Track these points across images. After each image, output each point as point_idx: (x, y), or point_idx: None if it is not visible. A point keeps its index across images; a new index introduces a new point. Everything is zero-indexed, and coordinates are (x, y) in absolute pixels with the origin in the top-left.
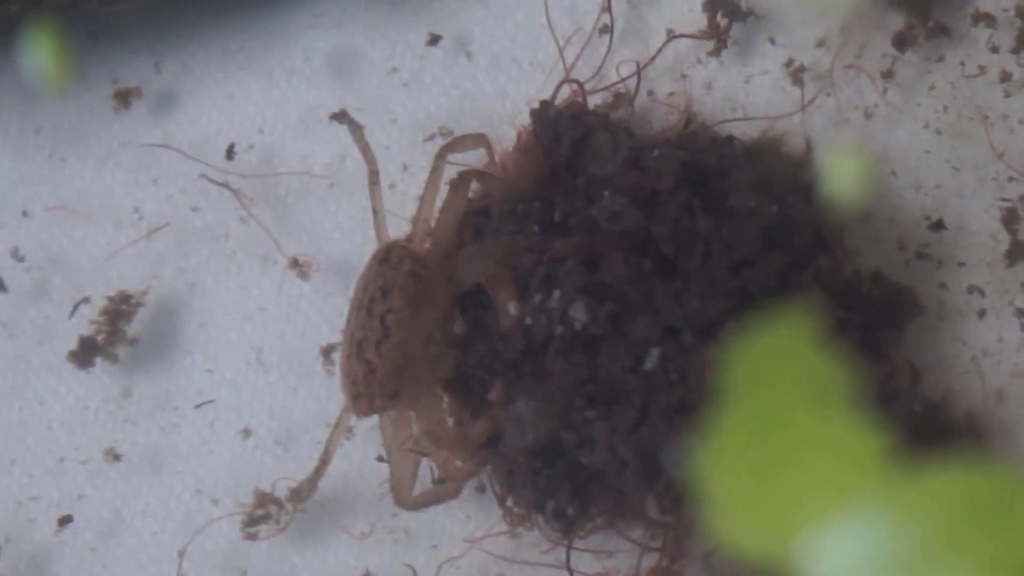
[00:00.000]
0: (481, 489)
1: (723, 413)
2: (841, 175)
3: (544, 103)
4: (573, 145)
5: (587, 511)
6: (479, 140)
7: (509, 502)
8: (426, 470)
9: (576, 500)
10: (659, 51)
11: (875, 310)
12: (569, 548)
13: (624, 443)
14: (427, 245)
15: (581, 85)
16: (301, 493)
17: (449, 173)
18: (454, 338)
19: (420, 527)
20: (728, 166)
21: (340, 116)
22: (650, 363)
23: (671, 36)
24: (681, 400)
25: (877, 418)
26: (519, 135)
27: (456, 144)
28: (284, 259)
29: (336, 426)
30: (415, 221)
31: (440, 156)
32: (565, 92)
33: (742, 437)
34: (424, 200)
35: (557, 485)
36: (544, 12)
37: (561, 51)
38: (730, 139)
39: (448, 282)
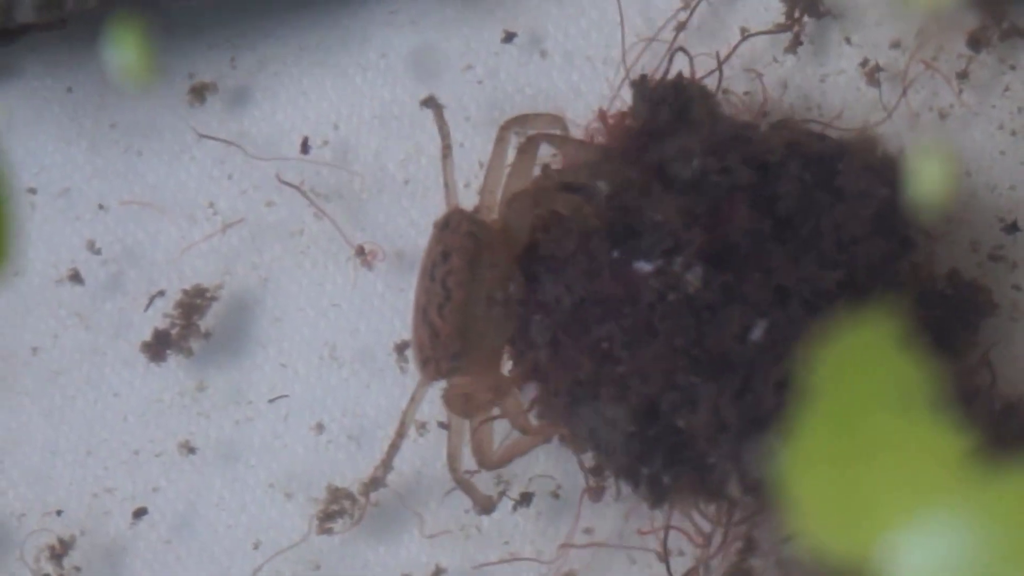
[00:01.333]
0: (555, 495)
1: (809, 410)
2: (923, 177)
3: (644, 75)
4: (672, 114)
5: (681, 480)
6: (553, 121)
7: (591, 469)
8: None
9: (671, 468)
10: (735, 48)
11: (949, 309)
12: (667, 530)
13: (728, 405)
14: (494, 216)
15: (690, 57)
16: (377, 473)
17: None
18: (514, 298)
19: (492, 524)
20: (830, 152)
21: (428, 101)
22: (757, 334)
23: (747, 35)
24: (786, 375)
25: (958, 419)
26: (600, 115)
27: (527, 120)
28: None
29: (412, 399)
30: (481, 192)
31: (506, 128)
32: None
33: (825, 434)
34: (490, 171)
35: (652, 451)
36: (618, 9)
37: (624, 49)
38: (822, 135)
39: (508, 244)
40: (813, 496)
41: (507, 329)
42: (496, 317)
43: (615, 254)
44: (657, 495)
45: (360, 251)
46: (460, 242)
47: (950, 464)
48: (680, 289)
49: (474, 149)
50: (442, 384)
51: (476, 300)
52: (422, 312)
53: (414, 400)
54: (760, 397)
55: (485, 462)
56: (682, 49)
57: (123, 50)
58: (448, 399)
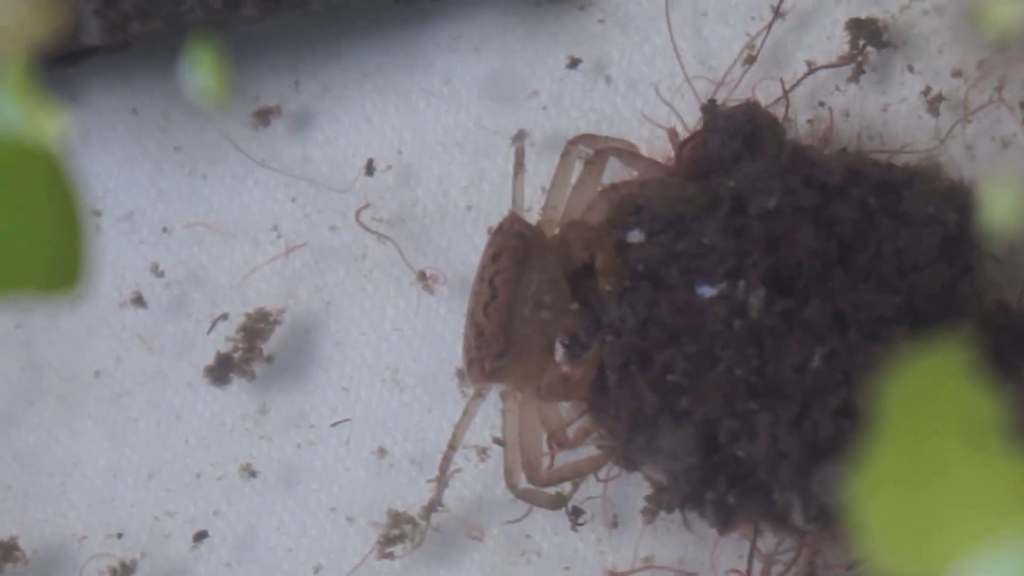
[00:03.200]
0: (614, 524)
1: (879, 436)
2: (988, 205)
3: (712, 101)
4: (745, 141)
5: (746, 503)
6: (628, 147)
7: (650, 495)
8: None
9: (735, 489)
10: (802, 78)
11: (1010, 337)
12: (752, 549)
13: (786, 434)
14: (556, 231)
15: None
16: (433, 496)
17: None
18: (575, 310)
19: (552, 548)
20: (898, 179)
21: (517, 138)
22: (816, 362)
23: (812, 68)
24: (845, 403)
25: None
26: (671, 134)
27: (597, 141)
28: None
29: (465, 413)
30: (544, 208)
31: (573, 143)
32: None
33: (897, 461)
34: (553, 187)
35: (714, 476)
36: (680, 37)
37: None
38: (890, 165)
39: (562, 256)
40: (882, 522)
41: (553, 335)
42: (543, 322)
43: (677, 276)
44: (723, 517)
45: (422, 276)
46: (509, 242)
47: (1018, 491)
48: (744, 315)
49: (537, 174)
50: (495, 400)
51: (522, 301)
52: (470, 315)
53: (467, 414)
54: (818, 425)
55: (535, 477)
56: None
57: (200, 73)
58: (547, 388)
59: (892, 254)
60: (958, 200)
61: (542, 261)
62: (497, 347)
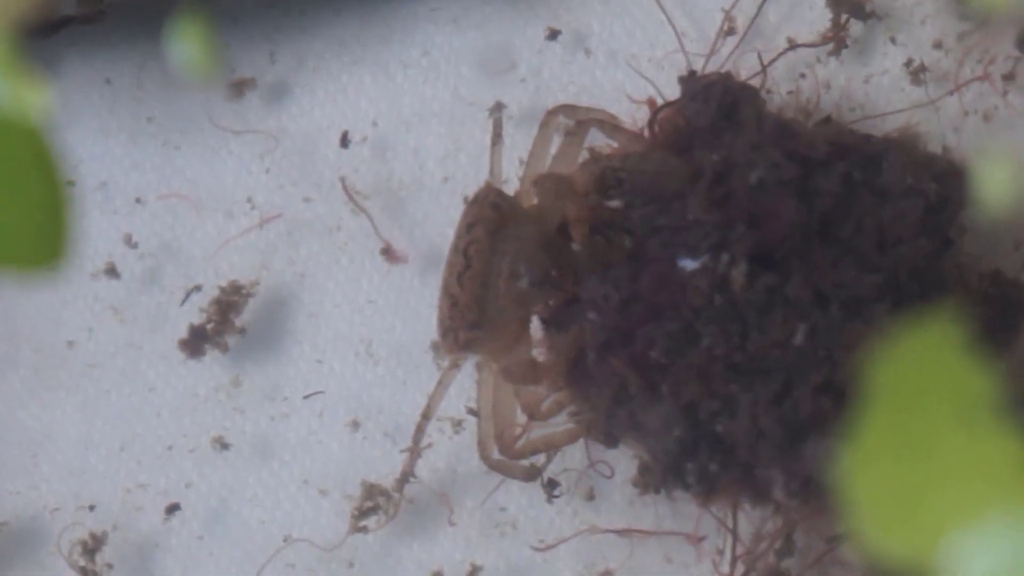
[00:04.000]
0: (590, 497)
1: (869, 410)
2: (982, 179)
3: (693, 71)
4: (720, 111)
5: (728, 473)
6: (608, 118)
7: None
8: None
9: (716, 459)
10: (780, 55)
11: (993, 309)
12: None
13: (766, 413)
14: (535, 201)
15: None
16: (405, 461)
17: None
18: (551, 280)
19: (527, 521)
20: (876, 151)
21: (494, 110)
22: (798, 338)
23: (793, 45)
24: (826, 378)
25: (1017, 421)
26: (650, 103)
27: (576, 111)
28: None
29: (439, 384)
30: (523, 179)
31: (552, 114)
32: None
33: (885, 437)
34: (532, 157)
35: (695, 448)
36: (661, 9)
37: (681, 43)
38: (869, 135)
39: (540, 224)
40: (871, 497)
41: (529, 306)
42: (518, 292)
43: (659, 250)
44: (706, 487)
45: (387, 249)
46: (484, 212)
47: (1009, 465)
48: (726, 290)
49: (515, 147)
50: (470, 371)
51: (496, 271)
52: (444, 285)
53: (441, 385)
54: (799, 403)
55: (507, 449)
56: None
57: (187, 45)
58: (510, 371)
59: (874, 228)
60: (937, 170)
61: (518, 231)
62: (471, 317)
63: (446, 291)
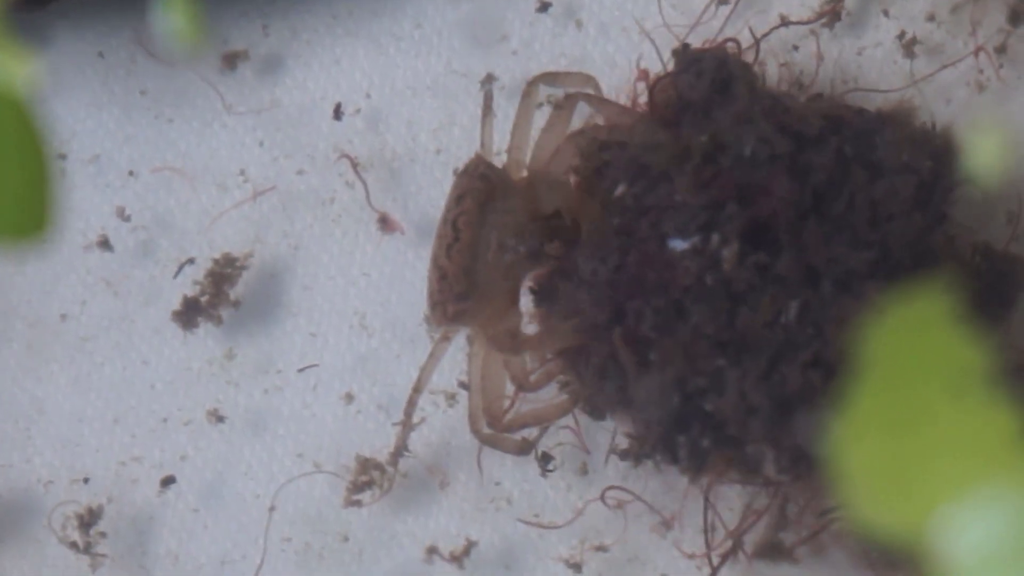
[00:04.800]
0: (584, 471)
1: (860, 384)
2: (972, 151)
3: (686, 44)
4: (712, 85)
5: (720, 449)
6: (585, 80)
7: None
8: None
9: (708, 434)
10: (773, 29)
11: (985, 282)
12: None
13: (754, 389)
14: (524, 174)
15: (738, 42)
16: (398, 435)
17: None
18: (540, 252)
19: (522, 496)
20: (870, 126)
21: (485, 82)
22: (789, 315)
23: (786, 22)
24: (816, 355)
25: (1009, 393)
26: (642, 74)
27: (557, 78)
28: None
29: (430, 356)
30: (509, 149)
31: (533, 83)
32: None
33: (877, 410)
34: (516, 128)
35: (687, 422)
36: None
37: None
38: (863, 109)
39: (530, 196)
40: (864, 470)
41: (517, 278)
42: (507, 265)
43: (649, 229)
44: (696, 462)
45: (383, 219)
46: (472, 184)
47: (1003, 440)
48: (716, 269)
49: (507, 119)
50: (461, 342)
51: (485, 243)
52: (433, 257)
53: (433, 357)
54: (787, 378)
55: (495, 422)
56: (733, 40)
57: (172, 17)
58: (495, 340)
59: (866, 204)
60: (932, 146)
61: (506, 203)
62: (459, 289)
63: (435, 263)
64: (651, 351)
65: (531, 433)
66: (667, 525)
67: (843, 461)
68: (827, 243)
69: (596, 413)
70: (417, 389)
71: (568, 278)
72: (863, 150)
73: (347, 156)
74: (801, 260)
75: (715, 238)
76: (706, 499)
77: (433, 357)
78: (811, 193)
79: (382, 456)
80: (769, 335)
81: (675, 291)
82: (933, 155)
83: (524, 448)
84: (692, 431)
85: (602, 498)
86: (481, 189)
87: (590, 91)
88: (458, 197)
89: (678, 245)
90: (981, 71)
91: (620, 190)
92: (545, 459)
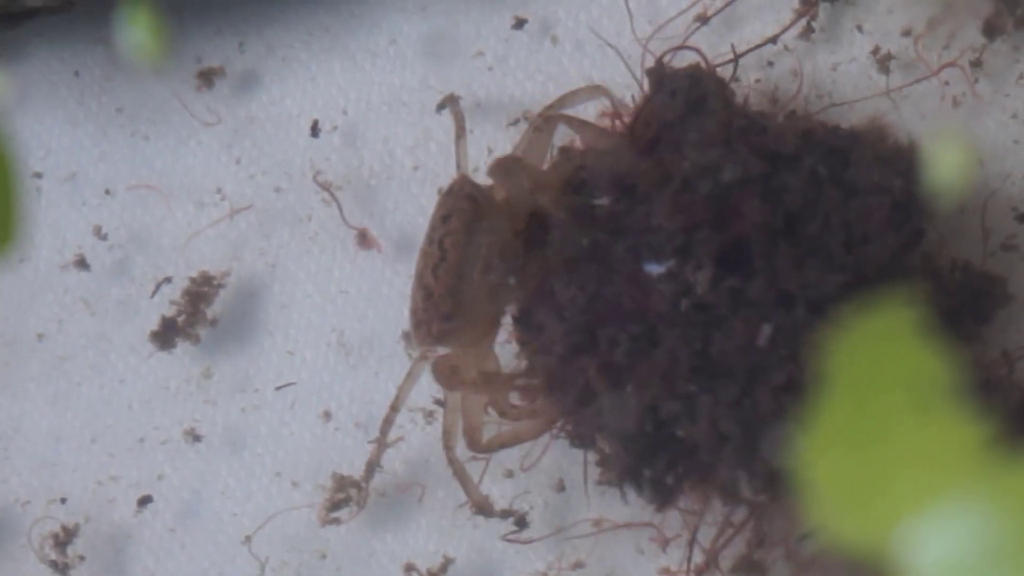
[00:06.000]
0: (561, 488)
1: (825, 399)
2: (937, 166)
3: (660, 62)
4: (688, 105)
5: (683, 482)
6: (594, 91)
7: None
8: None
9: (674, 469)
10: (753, 48)
11: (962, 299)
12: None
13: (726, 416)
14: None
15: (702, 54)
16: (372, 452)
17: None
18: (522, 277)
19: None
20: (843, 145)
21: (444, 101)
22: (761, 339)
23: (771, 38)
24: (789, 378)
25: (975, 408)
26: (613, 114)
27: (567, 100)
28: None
29: (408, 375)
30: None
31: (548, 118)
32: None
33: (843, 423)
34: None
35: (654, 454)
36: None
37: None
38: (836, 127)
39: (511, 216)
40: (830, 485)
41: (502, 301)
42: (491, 285)
43: (625, 253)
44: (661, 497)
45: (362, 235)
46: (459, 204)
47: (968, 453)
48: (691, 294)
49: (484, 135)
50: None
51: (471, 263)
52: (418, 276)
53: (411, 376)
54: (759, 403)
55: (474, 445)
56: (694, 48)
57: (135, 32)
58: (436, 368)
59: (841, 226)
60: (904, 164)
61: (492, 224)
62: (445, 309)
63: (420, 283)
64: (625, 377)
65: (492, 498)
66: (659, 541)
67: (809, 474)
68: (800, 266)
69: (575, 441)
70: (394, 408)
71: (546, 304)
72: (836, 169)
73: (318, 182)
74: (774, 284)
75: (690, 263)
76: (691, 525)
77: (411, 376)
78: (784, 216)
79: (359, 473)
80: (742, 360)
81: (650, 317)
82: (903, 173)
83: (484, 506)
84: (658, 465)
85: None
86: (467, 209)
87: (598, 98)
88: (444, 217)
89: (653, 269)
90: (947, 82)
91: (599, 203)
92: (520, 523)
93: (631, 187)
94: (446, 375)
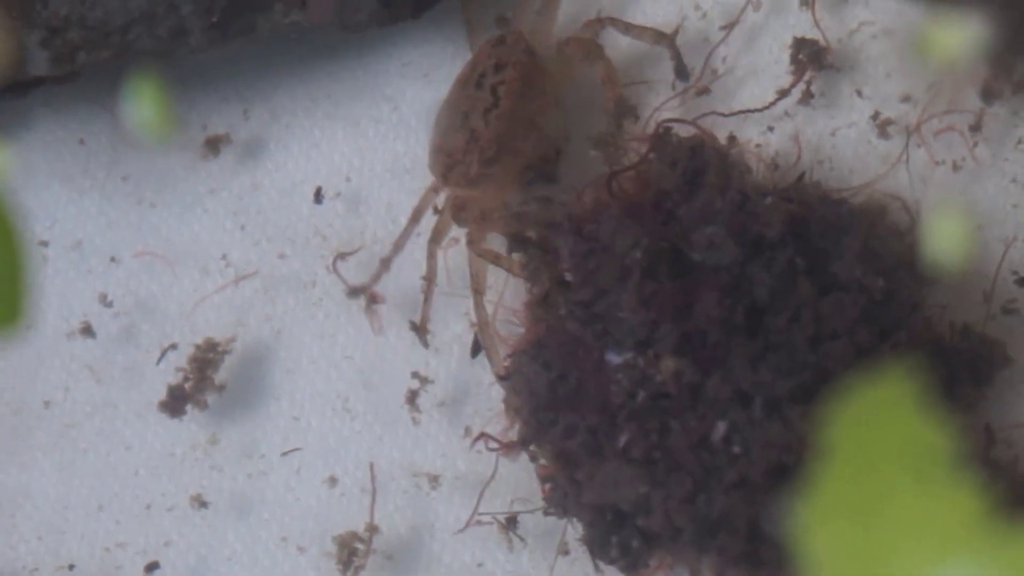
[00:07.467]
0: (565, 551)
1: (824, 470)
2: (938, 234)
3: (667, 129)
4: (685, 176)
5: (652, 546)
6: (659, 38)
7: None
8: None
9: (639, 544)
10: (760, 108)
11: (962, 363)
12: None
13: (678, 511)
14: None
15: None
16: (386, 256)
17: None
18: (554, 137)
19: (499, 569)
20: (835, 227)
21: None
22: (716, 436)
23: (774, 101)
24: (741, 476)
25: (974, 477)
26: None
27: (627, 27)
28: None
29: (417, 207)
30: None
31: (593, 27)
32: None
33: (842, 494)
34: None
35: (616, 530)
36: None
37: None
38: (841, 200)
39: (552, 76)
40: (830, 556)
41: (539, 154)
42: (532, 143)
43: (593, 340)
44: (629, 562)
45: (371, 297)
46: (518, 57)
47: (968, 523)
48: (647, 387)
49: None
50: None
51: (520, 117)
52: (463, 116)
53: (419, 208)
54: (712, 501)
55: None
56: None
57: (141, 103)
58: (459, 202)
59: (810, 320)
60: (891, 258)
61: (542, 84)
62: (490, 154)
63: (464, 126)
64: (578, 472)
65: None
66: None
67: (808, 546)
68: (756, 365)
69: (555, 511)
70: (397, 247)
71: (530, 361)
72: (819, 260)
73: (333, 266)
74: (730, 381)
75: (650, 353)
76: None
77: (419, 209)
78: (747, 309)
79: (360, 530)
80: (696, 458)
81: (609, 407)
82: (888, 274)
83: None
84: (625, 531)
85: None
86: (526, 63)
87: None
88: (497, 65)
89: (614, 359)
90: (947, 147)
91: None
92: (511, 523)
93: (605, 267)
94: (472, 214)
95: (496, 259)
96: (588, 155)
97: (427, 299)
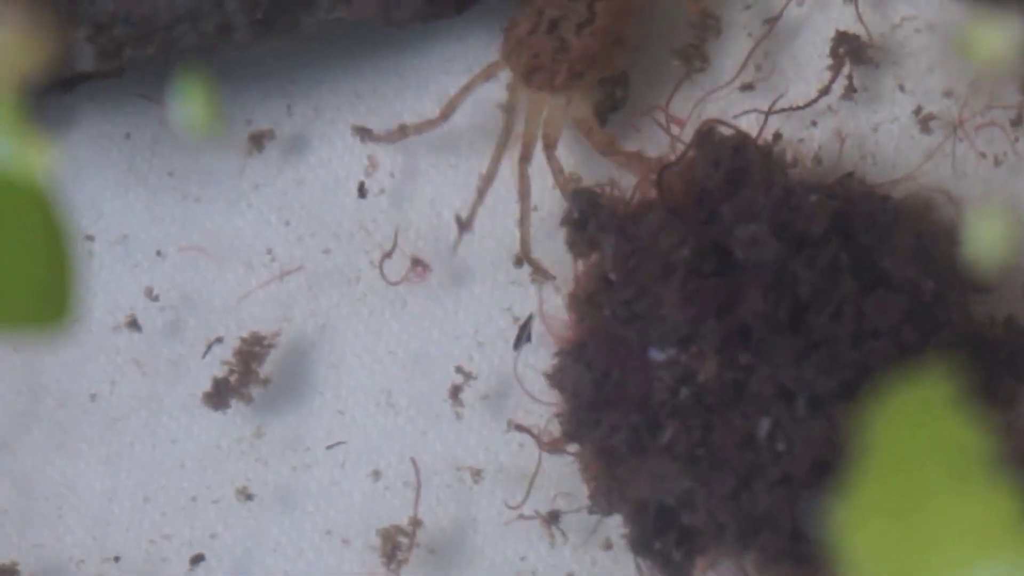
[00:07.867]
0: (607, 546)
1: (863, 470)
2: (980, 228)
3: (711, 127)
4: (728, 175)
5: (693, 559)
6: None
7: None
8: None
9: (683, 546)
10: (803, 105)
11: (1005, 357)
12: None
13: (722, 508)
14: None
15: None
16: (470, 212)
17: None
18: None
19: (547, 570)
20: (879, 224)
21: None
22: (761, 432)
23: (815, 98)
24: (784, 473)
25: (1014, 476)
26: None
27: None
28: (412, 298)
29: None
30: None
31: None
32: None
33: (881, 495)
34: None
35: (664, 528)
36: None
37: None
38: (886, 197)
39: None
40: (868, 557)
41: (618, 68)
42: (616, 60)
43: (635, 337)
44: (671, 571)
45: (416, 262)
46: None
47: (1006, 524)
48: (692, 383)
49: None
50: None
51: (611, 35)
52: (549, 23)
53: (467, 87)
54: (756, 498)
55: (549, 148)
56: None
57: (186, 99)
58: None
59: (853, 317)
60: (940, 261)
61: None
62: (580, 68)
63: (553, 32)
64: (620, 469)
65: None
66: None
67: (847, 547)
68: (800, 362)
69: (599, 508)
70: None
71: (574, 362)
72: (863, 257)
73: (380, 266)
74: (774, 378)
75: (693, 350)
76: None
77: (467, 88)
78: (789, 308)
79: (404, 524)
80: (740, 453)
81: (652, 405)
82: (939, 274)
83: (529, 258)
84: (668, 537)
85: None
86: None
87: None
88: None
89: (657, 356)
90: (989, 141)
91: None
92: (553, 517)
93: (643, 273)
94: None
95: (560, 171)
96: (669, 66)
97: (524, 219)
